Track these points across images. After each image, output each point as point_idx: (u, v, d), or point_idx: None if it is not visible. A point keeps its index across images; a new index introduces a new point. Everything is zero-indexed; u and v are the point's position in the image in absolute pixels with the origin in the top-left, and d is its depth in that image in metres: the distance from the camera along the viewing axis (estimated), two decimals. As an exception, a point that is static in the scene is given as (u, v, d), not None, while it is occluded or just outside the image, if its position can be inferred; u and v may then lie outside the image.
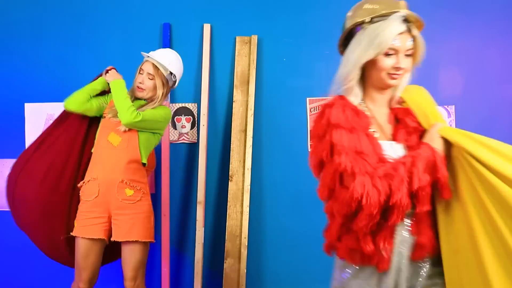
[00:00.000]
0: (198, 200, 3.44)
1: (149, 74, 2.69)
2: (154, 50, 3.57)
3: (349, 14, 1.70)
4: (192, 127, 3.59)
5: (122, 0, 3.58)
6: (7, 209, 3.61)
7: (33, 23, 3.59)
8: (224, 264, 3.42)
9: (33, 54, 3.56)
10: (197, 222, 3.42)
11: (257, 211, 3.57)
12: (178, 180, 3.59)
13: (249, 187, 3.43)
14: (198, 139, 3.55)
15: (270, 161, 3.58)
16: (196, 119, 3.58)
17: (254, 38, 3.54)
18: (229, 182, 3.47)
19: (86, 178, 2.57)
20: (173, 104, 3.58)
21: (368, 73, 1.60)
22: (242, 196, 3.44)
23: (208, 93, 3.52)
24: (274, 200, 3.58)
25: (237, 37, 3.57)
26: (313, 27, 3.57)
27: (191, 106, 3.59)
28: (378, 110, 1.63)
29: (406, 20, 1.60)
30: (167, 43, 3.52)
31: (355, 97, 1.61)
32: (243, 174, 3.45)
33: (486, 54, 3.57)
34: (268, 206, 3.59)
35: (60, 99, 3.54)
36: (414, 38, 1.64)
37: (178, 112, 3.59)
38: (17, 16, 3.59)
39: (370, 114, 1.60)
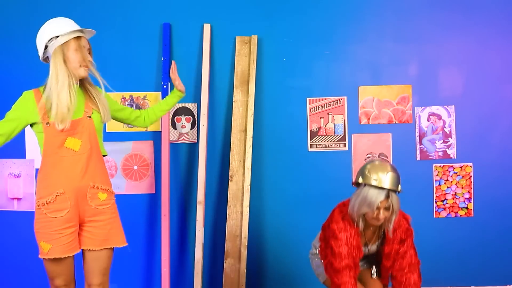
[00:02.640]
0: (198, 200, 3.44)
1: (88, 49, 2.35)
2: (154, 50, 3.59)
3: (362, 171, 2.54)
4: (192, 127, 3.59)
5: (122, 0, 3.58)
6: (7, 209, 3.63)
7: (33, 23, 3.58)
8: (224, 264, 3.42)
9: (33, 54, 3.56)
10: (197, 222, 3.43)
11: (257, 211, 3.58)
12: (178, 180, 3.60)
13: (249, 187, 3.43)
14: (198, 139, 3.55)
15: (270, 161, 3.58)
16: (196, 119, 3.58)
17: (254, 38, 3.54)
18: (229, 182, 3.47)
19: (50, 194, 2.24)
20: (173, 104, 3.58)
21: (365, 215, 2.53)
22: (242, 196, 3.44)
23: (208, 93, 3.52)
24: (274, 200, 3.58)
25: (237, 37, 3.57)
26: (313, 27, 3.57)
27: (191, 106, 3.59)
28: (368, 231, 2.63)
29: (389, 192, 2.42)
30: (167, 43, 3.52)
31: (359, 226, 2.54)
32: (243, 174, 3.45)
33: (486, 54, 3.58)
34: (268, 206, 3.59)
35: (60, 99, 3.55)
36: (391, 202, 2.44)
37: (178, 112, 3.59)
38: (17, 16, 3.59)
39: (362, 232, 2.60)
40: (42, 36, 2.33)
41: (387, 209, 2.43)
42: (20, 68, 3.58)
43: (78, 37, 2.30)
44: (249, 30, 3.57)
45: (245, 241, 3.39)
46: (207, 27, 3.55)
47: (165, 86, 3.50)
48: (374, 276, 2.78)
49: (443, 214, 3.59)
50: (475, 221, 3.58)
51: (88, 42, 2.37)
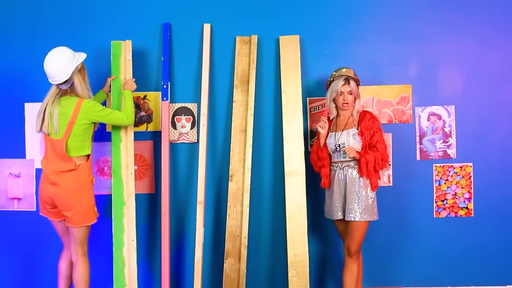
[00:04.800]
0: (198, 200, 3.43)
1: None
2: (154, 50, 3.59)
3: (331, 74, 3.29)
4: (192, 127, 3.59)
5: (123, 0, 3.58)
6: (7, 209, 3.62)
7: (32, 23, 3.59)
8: (224, 264, 3.42)
9: (33, 54, 3.56)
10: (197, 222, 3.42)
11: (257, 211, 3.58)
12: (178, 180, 3.60)
13: (249, 187, 3.43)
14: (198, 139, 3.55)
15: (270, 161, 3.58)
16: (196, 119, 3.58)
17: (254, 38, 3.54)
18: (229, 182, 3.47)
19: (91, 175, 3.12)
20: (173, 104, 3.58)
21: (336, 102, 3.27)
22: (242, 196, 3.44)
23: (208, 93, 3.52)
24: (274, 200, 3.58)
25: (237, 37, 3.57)
26: (313, 27, 3.57)
27: (191, 106, 3.59)
28: (339, 119, 3.28)
29: (347, 78, 3.19)
30: (167, 43, 3.52)
31: (331, 113, 3.30)
32: (243, 174, 3.45)
33: (486, 54, 3.58)
34: (268, 206, 3.59)
35: (60, 99, 3.55)
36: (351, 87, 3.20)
37: (178, 112, 3.59)
38: (17, 16, 3.59)
39: (334, 120, 3.30)
40: (67, 66, 2.99)
41: (350, 93, 3.17)
42: (20, 68, 3.59)
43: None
44: (249, 30, 3.57)
45: (245, 241, 3.39)
46: (207, 27, 3.55)
47: (165, 86, 3.50)
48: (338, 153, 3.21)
49: (443, 214, 3.59)
50: (475, 221, 3.58)
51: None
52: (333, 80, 3.23)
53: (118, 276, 3.23)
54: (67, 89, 3.00)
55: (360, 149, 3.12)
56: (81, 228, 3.04)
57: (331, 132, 3.24)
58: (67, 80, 2.97)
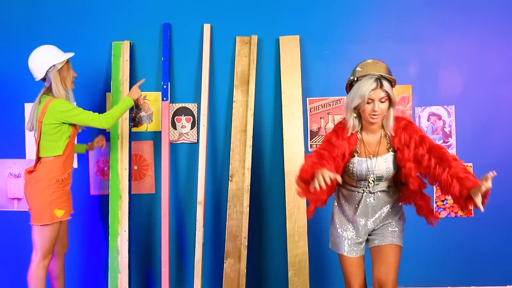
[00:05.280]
0: (198, 200, 3.44)
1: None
2: (154, 50, 3.59)
3: (352, 70, 2.40)
4: (192, 127, 3.59)
5: (123, 0, 3.58)
6: (7, 209, 3.62)
7: (32, 23, 3.59)
8: (224, 264, 3.42)
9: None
10: (197, 222, 3.42)
11: (257, 211, 3.58)
12: (178, 180, 3.60)
13: (249, 187, 3.43)
14: (198, 139, 3.55)
15: (270, 161, 3.58)
16: (196, 119, 3.58)
17: (254, 38, 3.54)
18: (229, 182, 3.47)
19: (65, 173, 3.02)
20: (173, 104, 3.58)
21: (361, 112, 2.34)
22: (242, 196, 3.44)
23: (208, 93, 3.52)
24: (274, 200, 3.58)
25: (237, 37, 3.57)
26: (313, 27, 3.57)
27: (191, 106, 3.59)
28: (367, 137, 2.41)
29: (379, 79, 2.27)
30: (167, 43, 3.52)
31: (352, 127, 2.37)
32: (243, 174, 3.45)
33: (486, 54, 3.58)
34: (268, 206, 3.59)
35: (60, 99, 3.55)
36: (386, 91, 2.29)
37: (178, 112, 3.59)
38: (17, 16, 3.59)
39: (360, 138, 2.40)
40: (40, 65, 2.99)
41: (382, 101, 2.25)
42: (20, 68, 3.59)
43: (68, 60, 3.04)
44: (249, 30, 3.57)
45: (245, 241, 3.39)
46: (207, 27, 3.55)
47: (165, 86, 3.50)
48: (372, 184, 2.41)
49: (443, 214, 3.59)
50: (475, 221, 3.58)
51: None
52: (356, 79, 2.32)
53: (113, 263, 3.39)
54: (48, 87, 3.00)
55: (391, 173, 2.38)
56: (34, 228, 2.92)
57: (358, 156, 2.39)
58: (46, 78, 2.98)
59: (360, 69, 2.32)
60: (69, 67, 3.03)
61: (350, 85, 2.40)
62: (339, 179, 2.09)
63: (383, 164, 2.37)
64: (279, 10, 3.58)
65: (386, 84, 2.27)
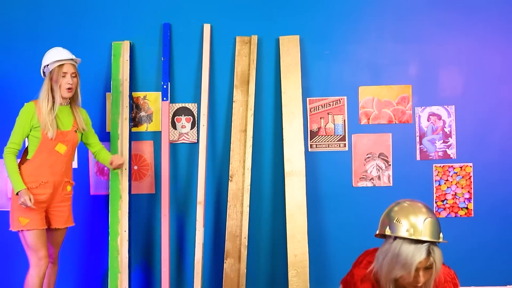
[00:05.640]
0: (198, 200, 3.43)
1: (73, 73, 2.97)
2: (154, 50, 3.58)
3: (386, 218, 1.91)
4: (192, 127, 3.59)
5: (123, 0, 3.58)
6: (7, 209, 3.62)
7: (32, 23, 3.59)
8: (224, 264, 3.42)
9: (33, 54, 3.56)
10: (197, 222, 3.42)
11: (257, 211, 3.57)
12: (178, 180, 3.59)
13: (249, 187, 3.43)
14: (198, 139, 3.55)
15: (270, 161, 3.58)
16: (196, 119, 3.58)
17: (254, 38, 3.54)
18: (229, 182, 3.47)
19: (36, 181, 2.90)
20: (173, 104, 3.58)
21: (399, 278, 1.85)
22: (242, 196, 3.44)
23: (208, 93, 3.52)
24: (274, 200, 3.58)
25: (237, 37, 3.57)
26: (313, 27, 3.57)
27: (191, 106, 3.59)
28: None
29: (431, 247, 1.80)
30: (167, 43, 3.52)
31: None
32: (243, 174, 3.45)
33: (486, 54, 3.57)
34: (268, 206, 3.59)
35: (60, 99, 3.55)
36: (433, 260, 1.82)
37: (178, 112, 3.59)
38: (17, 15, 3.58)
39: None
40: (41, 64, 3.02)
41: (428, 268, 1.81)
42: (20, 68, 3.59)
43: (61, 65, 2.93)
44: (249, 30, 3.57)
45: (245, 241, 3.39)
46: (207, 27, 3.55)
47: (165, 86, 3.50)
48: None
49: (443, 214, 3.59)
50: (475, 221, 3.58)
51: (74, 67, 2.99)
52: (401, 238, 1.82)
53: (113, 263, 3.38)
54: None
55: None
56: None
57: None
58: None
59: (401, 226, 1.82)
60: (52, 75, 2.92)
61: (382, 236, 1.92)
62: None
63: None
64: (279, 10, 3.58)
65: (436, 250, 1.81)
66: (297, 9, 3.57)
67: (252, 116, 3.47)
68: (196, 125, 3.58)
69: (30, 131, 2.92)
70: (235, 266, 3.41)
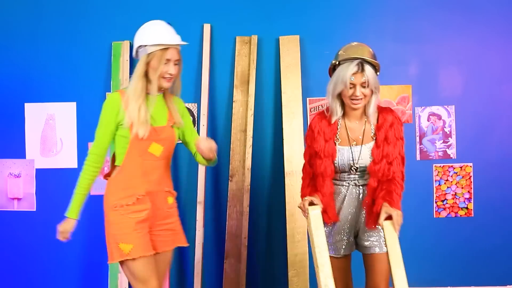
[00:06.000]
0: (198, 200, 3.44)
1: (176, 60, 2.29)
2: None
3: (336, 53, 2.34)
4: (192, 127, 3.59)
5: (122, 0, 3.58)
6: (7, 209, 3.62)
7: (33, 23, 3.59)
8: (224, 264, 3.42)
9: (33, 54, 3.56)
10: (197, 222, 3.42)
11: (257, 211, 3.58)
12: (178, 180, 3.59)
13: (249, 187, 3.43)
14: (198, 139, 3.55)
15: (270, 161, 3.58)
16: (196, 119, 3.58)
17: (254, 38, 3.54)
18: (229, 182, 3.47)
19: (131, 196, 2.25)
20: (173, 104, 3.58)
21: (343, 98, 2.28)
22: (242, 196, 3.44)
23: (208, 93, 3.52)
24: (274, 200, 3.58)
25: (237, 37, 3.57)
26: (313, 27, 3.57)
27: (191, 106, 3.59)
28: (350, 123, 2.33)
29: (361, 63, 2.20)
30: (167, 43, 3.52)
31: (335, 114, 2.32)
32: (243, 174, 3.45)
33: (486, 54, 3.58)
34: (268, 206, 3.59)
35: (60, 99, 3.56)
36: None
37: (178, 112, 3.59)
38: (17, 15, 3.59)
39: (341, 125, 2.33)
40: (135, 41, 2.30)
41: (364, 86, 2.19)
42: (20, 68, 3.59)
43: (165, 49, 2.24)
44: (249, 30, 3.57)
45: (245, 241, 3.39)
46: (207, 27, 3.55)
47: (165, 86, 3.50)
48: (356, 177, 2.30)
49: (443, 214, 3.59)
50: (475, 221, 3.58)
51: (178, 52, 2.30)
52: (338, 63, 2.26)
53: (113, 263, 3.29)
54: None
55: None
56: None
57: (339, 145, 2.30)
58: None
59: (342, 53, 2.26)
60: (162, 58, 2.22)
61: (333, 69, 2.31)
62: (316, 201, 2.23)
63: (366, 153, 2.26)
64: (279, 10, 3.58)
65: (368, 68, 2.20)
66: (297, 9, 3.58)
67: (252, 116, 3.48)
68: (196, 125, 3.58)
69: (117, 129, 2.27)
70: (235, 266, 3.41)
